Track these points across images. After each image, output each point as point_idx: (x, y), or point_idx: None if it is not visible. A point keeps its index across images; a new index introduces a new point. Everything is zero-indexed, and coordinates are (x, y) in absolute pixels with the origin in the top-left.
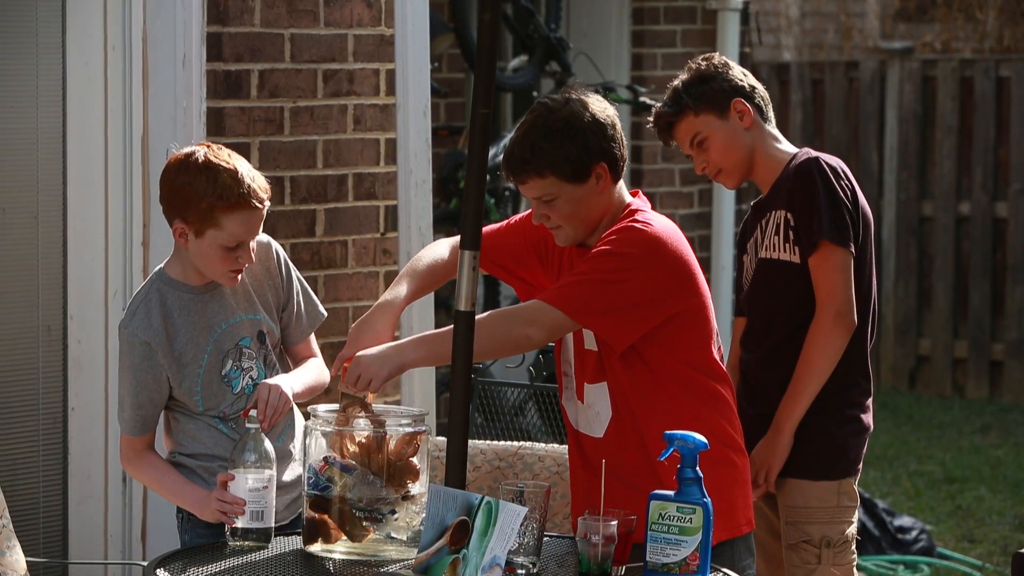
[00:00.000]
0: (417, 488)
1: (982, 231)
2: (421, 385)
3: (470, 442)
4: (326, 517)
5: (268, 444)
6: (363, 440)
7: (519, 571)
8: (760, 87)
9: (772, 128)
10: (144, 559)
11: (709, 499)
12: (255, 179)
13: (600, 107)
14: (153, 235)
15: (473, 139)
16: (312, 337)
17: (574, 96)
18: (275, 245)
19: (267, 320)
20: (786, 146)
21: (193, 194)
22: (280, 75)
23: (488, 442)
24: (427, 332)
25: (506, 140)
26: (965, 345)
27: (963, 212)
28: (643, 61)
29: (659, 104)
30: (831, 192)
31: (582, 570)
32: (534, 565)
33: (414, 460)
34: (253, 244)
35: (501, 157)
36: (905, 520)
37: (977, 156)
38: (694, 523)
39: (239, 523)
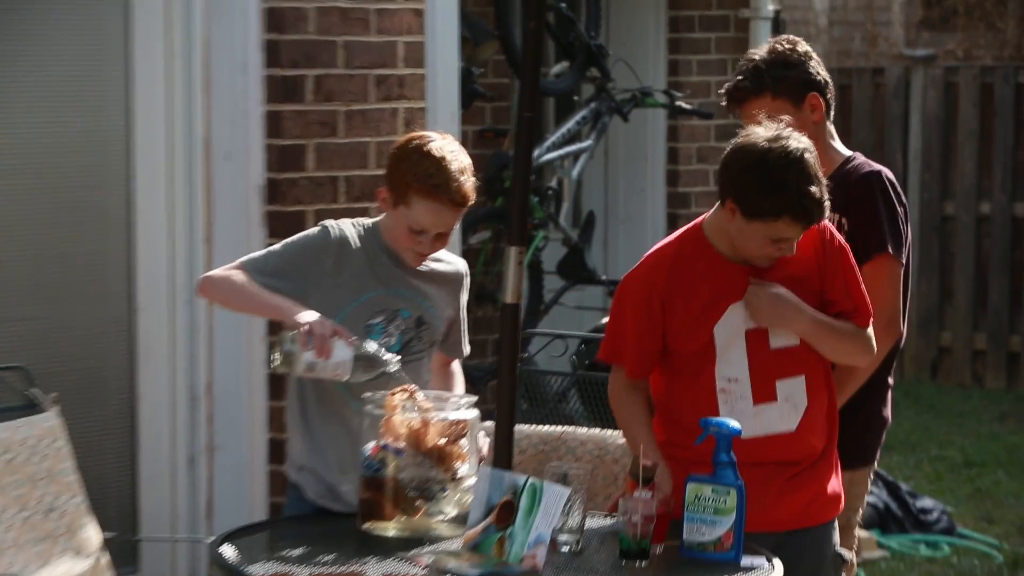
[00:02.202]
0: (465, 469)
1: (1001, 230)
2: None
3: (516, 427)
4: (380, 497)
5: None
6: (414, 425)
7: (562, 548)
8: (831, 84)
9: (831, 126)
10: (209, 535)
11: (742, 482)
12: (461, 182)
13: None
14: (216, 232)
15: (518, 141)
16: (458, 364)
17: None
18: (466, 276)
19: (432, 317)
20: (839, 146)
21: (401, 169)
22: (334, 80)
23: (533, 427)
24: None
25: (553, 139)
26: (984, 337)
27: (983, 211)
28: (679, 67)
29: (694, 104)
30: (891, 207)
31: (623, 547)
32: (577, 543)
33: (462, 443)
34: (444, 241)
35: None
36: (927, 502)
37: (997, 158)
38: (728, 504)
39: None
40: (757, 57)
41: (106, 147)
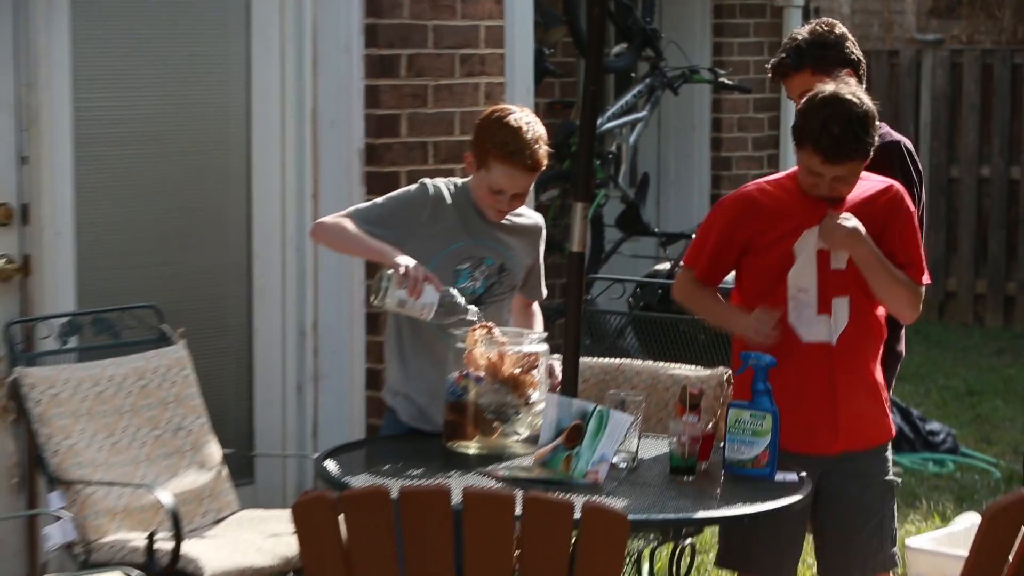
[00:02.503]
0: (536, 396)
1: (999, 190)
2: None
3: (580, 359)
4: (462, 419)
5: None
6: (492, 356)
7: (620, 465)
8: (863, 62)
9: None
10: (315, 452)
11: (777, 408)
12: (534, 149)
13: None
14: (321, 189)
15: (583, 111)
16: (536, 307)
17: (853, 89)
18: (543, 229)
19: (512, 265)
20: None
21: (483, 137)
22: (425, 59)
23: (595, 359)
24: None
25: (613, 110)
26: (984, 283)
27: (984, 175)
28: (722, 48)
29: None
30: (907, 172)
31: (672, 465)
32: (633, 460)
33: (534, 373)
34: (520, 201)
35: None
36: (934, 425)
37: (995, 129)
38: (764, 427)
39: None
40: (799, 37)
41: (229, 118)
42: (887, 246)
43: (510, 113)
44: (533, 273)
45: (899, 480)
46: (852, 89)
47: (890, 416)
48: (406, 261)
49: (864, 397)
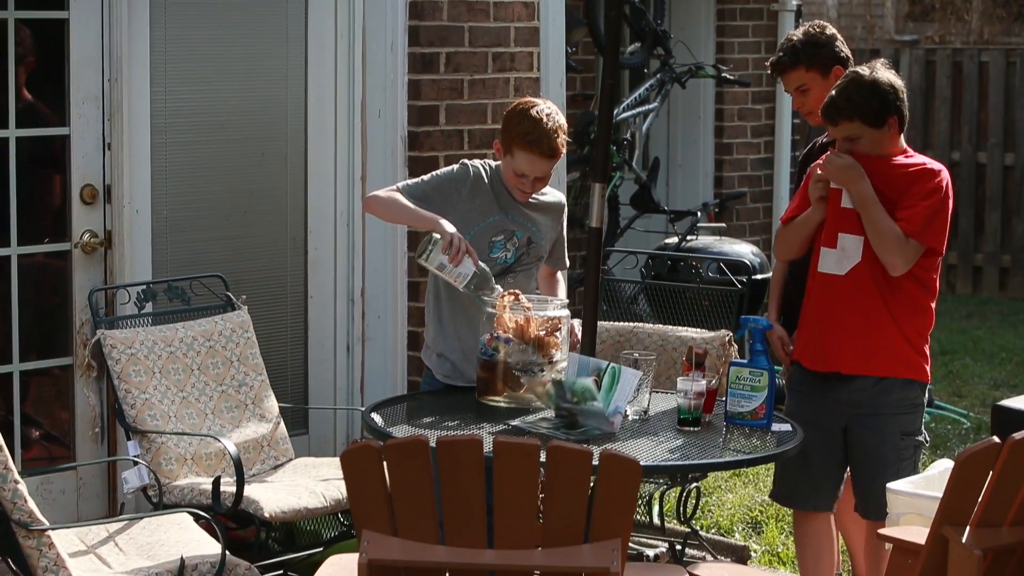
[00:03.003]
0: (559, 355)
1: (968, 173)
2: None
3: (598, 323)
4: (493, 376)
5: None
6: (519, 320)
7: (632, 417)
8: (852, 59)
9: None
10: (362, 406)
11: (773, 367)
12: (553, 138)
13: (895, 76)
14: (369, 172)
15: (602, 102)
16: (560, 275)
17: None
18: (566, 206)
19: (539, 239)
20: None
21: (508, 127)
22: (461, 56)
23: (611, 323)
24: None
25: (628, 102)
26: (955, 255)
27: (954, 159)
28: (724, 47)
29: (736, 75)
30: None
31: (680, 417)
32: (644, 412)
33: (557, 335)
34: (543, 183)
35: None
36: None
37: (965, 119)
38: (761, 383)
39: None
40: (795, 38)
41: (288, 109)
42: (902, 202)
43: (534, 106)
44: (557, 245)
45: (924, 440)
46: (877, 67)
47: (905, 358)
48: (453, 230)
49: (863, 330)
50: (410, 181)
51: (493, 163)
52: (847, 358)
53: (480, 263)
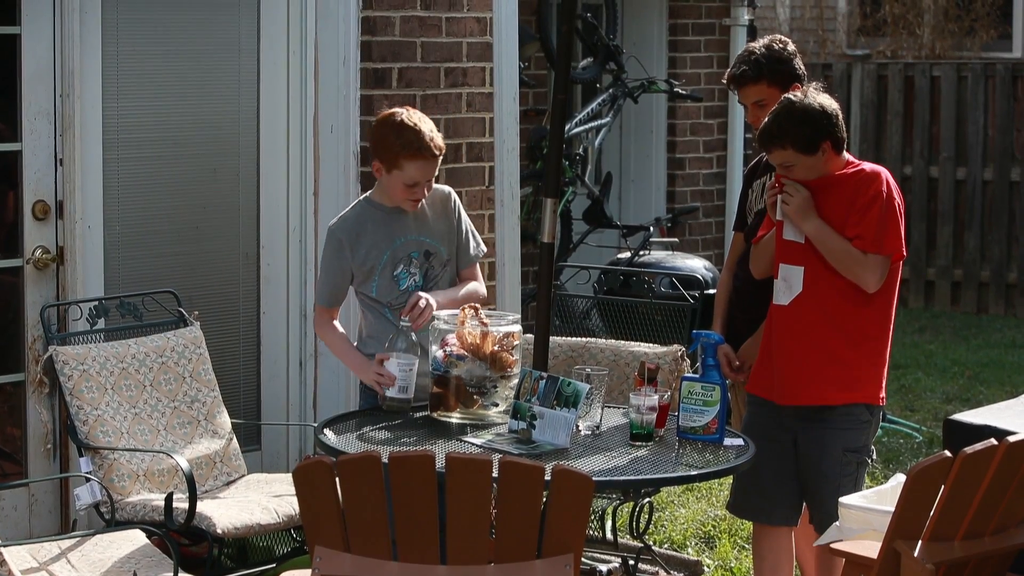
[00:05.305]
0: (512, 371)
1: (920, 187)
2: (511, 297)
3: (550, 338)
4: (446, 392)
5: (415, 338)
6: (476, 336)
7: (584, 432)
8: (806, 75)
9: None
10: (314, 422)
11: (725, 381)
12: (434, 138)
13: (827, 100)
14: (321, 187)
15: (554, 117)
16: (477, 265)
17: (811, 92)
18: (454, 195)
19: (436, 244)
20: None
21: (387, 143)
22: (414, 71)
23: (564, 338)
24: None
25: (580, 116)
26: (908, 270)
27: (907, 173)
28: (677, 62)
29: (689, 90)
30: None
31: (633, 432)
32: (597, 427)
33: (512, 352)
34: (431, 184)
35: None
36: None
37: (916, 133)
38: (714, 398)
39: (389, 393)
40: (758, 51)
41: (240, 124)
42: (849, 219)
43: (400, 115)
44: (462, 236)
45: (869, 459)
46: (809, 92)
47: (848, 385)
48: (366, 376)
49: (801, 359)
50: (319, 289)
51: (360, 199)
52: (787, 387)
53: (394, 354)
